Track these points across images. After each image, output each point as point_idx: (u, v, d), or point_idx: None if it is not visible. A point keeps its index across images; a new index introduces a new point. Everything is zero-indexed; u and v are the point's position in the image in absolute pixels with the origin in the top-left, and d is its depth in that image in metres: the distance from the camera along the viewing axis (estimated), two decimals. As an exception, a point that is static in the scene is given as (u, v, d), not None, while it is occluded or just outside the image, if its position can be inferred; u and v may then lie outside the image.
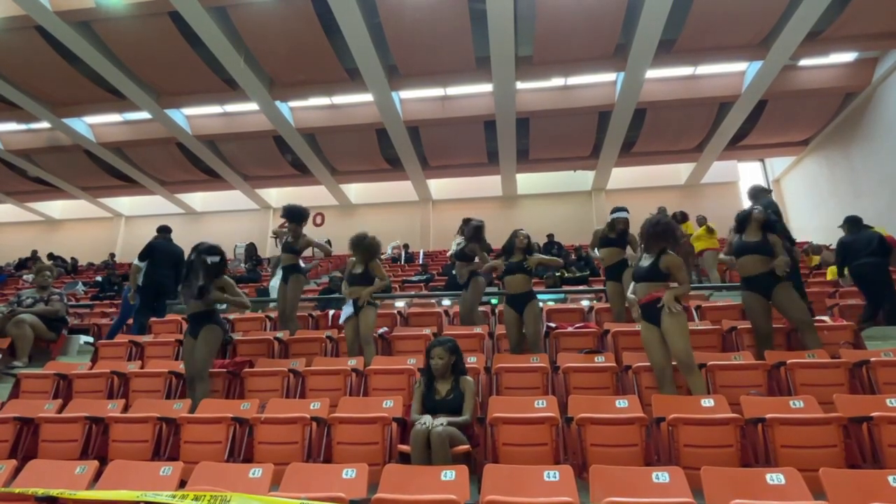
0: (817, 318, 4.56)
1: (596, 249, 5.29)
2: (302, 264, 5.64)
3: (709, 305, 5.36)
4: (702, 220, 9.08)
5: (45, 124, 12.69)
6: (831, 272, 7.45)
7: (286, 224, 5.54)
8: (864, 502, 2.00)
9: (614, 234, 5.11)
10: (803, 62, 10.66)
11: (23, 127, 13.46)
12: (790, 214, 15.13)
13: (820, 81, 10.95)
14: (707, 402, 3.13)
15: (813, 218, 13.59)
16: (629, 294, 3.80)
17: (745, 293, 4.18)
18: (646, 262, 3.62)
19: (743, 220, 4.27)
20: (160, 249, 6.25)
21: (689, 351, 3.36)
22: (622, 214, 5.13)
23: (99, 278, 12.03)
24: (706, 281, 8.32)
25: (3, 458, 3.17)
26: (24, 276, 12.39)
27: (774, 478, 2.30)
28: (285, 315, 5.42)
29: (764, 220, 4.17)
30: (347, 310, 4.64)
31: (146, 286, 6.16)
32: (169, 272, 6.26)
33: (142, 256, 6.21)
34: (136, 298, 6.13)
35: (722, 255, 4.52)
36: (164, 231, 6.56)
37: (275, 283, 7.69)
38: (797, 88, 11.04)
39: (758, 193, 5.28)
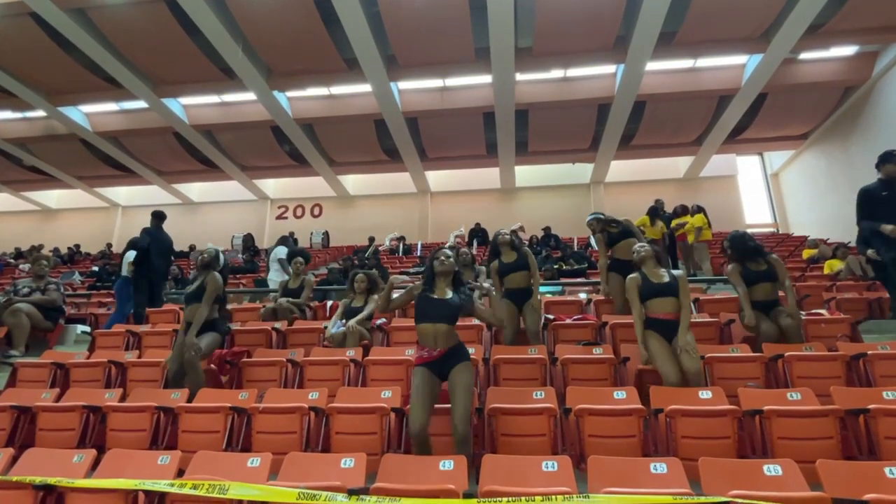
0: (814, 311, 4.58)
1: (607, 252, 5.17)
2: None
3: (706, 298, 5.37)
4: (696, 210, 9.04)
5: (40, 113, 12.57)
6: (828, 266, 7.48)
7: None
8: (861, 494, 2.01)
9: (618, 230, 5.01)
10: (803, 56, 10.64)
11: (18, 115, 13.33)
12: (788, 208, 15.17)
13: (820, 75, 10.92)
14: (705, 394, 3.14)
15: (811, 212, 13.61)
16: (642, 349, 3.60)
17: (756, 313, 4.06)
18: (663, 278, 3.64)
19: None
20: (150, 238, 6.26)
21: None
22: (599, 216, 5.15)
23: (96, 268, 11.99)
24: (700, 274, 8.34)
25: (0, 447, 3.16)
26: (21, 266, 12.34)
27: (771, 469, 2.31)
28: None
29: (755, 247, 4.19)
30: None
31: (139, 276, 6.17)
32: (160, 261, 6.27)
33: (131, 246, 6.30)
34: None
35: (746, 315, 4.10)
36: (156, 217, 6.48)
37: (273, 276, 7.70)
38: (797, 82, 11.00)
39: (887, 158, 4.94)
